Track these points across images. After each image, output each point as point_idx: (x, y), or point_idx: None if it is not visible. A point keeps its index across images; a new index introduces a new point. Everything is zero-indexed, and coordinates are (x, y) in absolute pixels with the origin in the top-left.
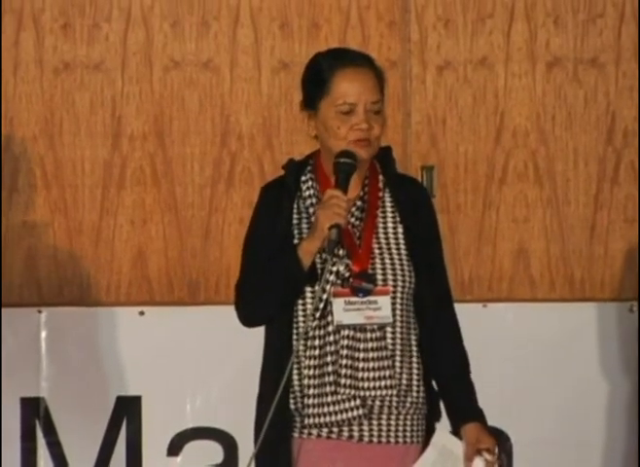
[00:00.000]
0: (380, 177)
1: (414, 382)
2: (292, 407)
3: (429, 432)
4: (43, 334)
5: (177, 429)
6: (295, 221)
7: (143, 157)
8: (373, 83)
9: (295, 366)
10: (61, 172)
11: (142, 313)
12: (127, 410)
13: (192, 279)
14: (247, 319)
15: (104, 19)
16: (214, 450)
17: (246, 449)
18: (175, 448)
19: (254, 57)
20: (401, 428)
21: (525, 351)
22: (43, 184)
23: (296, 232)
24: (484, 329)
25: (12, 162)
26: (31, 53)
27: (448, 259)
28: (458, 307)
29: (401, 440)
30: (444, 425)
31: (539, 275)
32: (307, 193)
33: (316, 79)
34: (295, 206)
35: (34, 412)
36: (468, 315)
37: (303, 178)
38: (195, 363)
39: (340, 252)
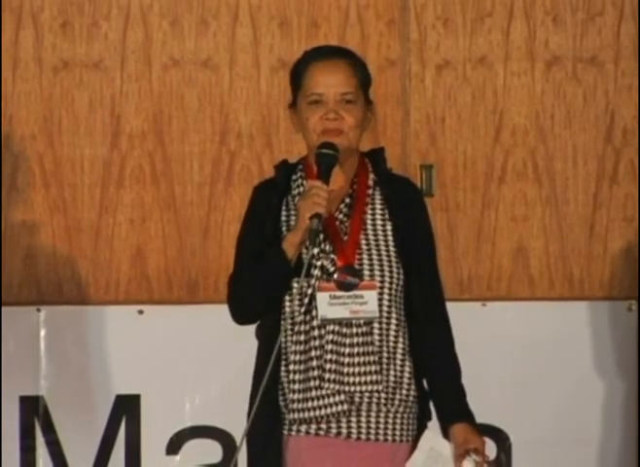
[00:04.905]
0: (371, 175)
1: (405, 380)
2: (281, 404)
3: (421, 432)
4: (42, 332)
5: (176, 428)
6: (283, 218)
7: (142, 155)
8: (345, 74)
9: (283, 363)
10: (60, 171)
11: (141, 312)
12: (126, 408)
13: (191, 278)
14: (238, 315)
15: (103, 18)
16: (213, 449)
17: (245, 448)
18: (174, 446)
19: (253, 56)
20: (390, 426)
21: (524, 350)
22: (42, 182)
23: (284, 228)
24: (483, 328)
25: (11, 161)
26: (30, 51)
27: (447, 258)
28: (457, 306)
29: (390, 438)
30: (434, 427)
31: (538, 274)
32: (297, 191)
33: (294, 75)
34: (284, 204)
35: (33, 410)
36: (467, 314)
37: (294, 177)
38: (195, 362)
39: (327, 247)
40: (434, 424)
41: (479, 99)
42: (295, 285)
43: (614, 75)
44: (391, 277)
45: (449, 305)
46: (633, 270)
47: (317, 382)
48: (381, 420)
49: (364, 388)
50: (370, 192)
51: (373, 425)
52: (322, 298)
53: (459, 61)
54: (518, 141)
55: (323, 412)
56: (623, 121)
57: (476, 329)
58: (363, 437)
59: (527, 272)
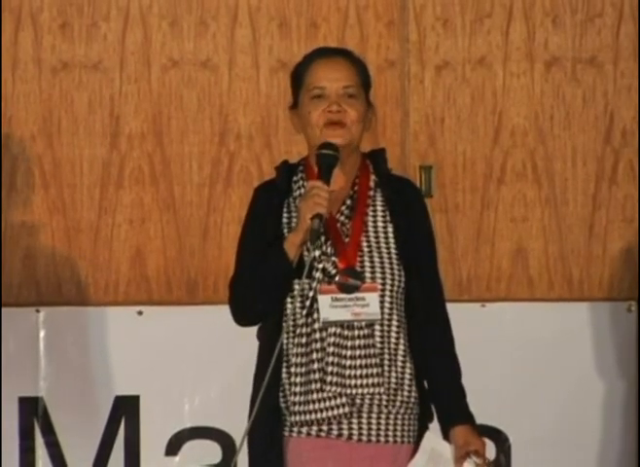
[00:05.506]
0: (372, 177)
1: (406, 382)
2: (282, 405)
3: (422, 433)
4: (41, 333)
5: (175, 429)
6: (285, 220)
7: (141, 156)
8: (346, 70)
9: (284, 364)
10: (60, 172)
11: (140, 313)
12: (126, 409)
13: (190, 279)
14: (239, 316)
15: (102, 19)
16: (212, 450)
17: (244, 449)
18: (173, 447)
19: (252, 57)
20: (391, 427)
21: (523, 351)
22: (41, 183)
23: (285, 230)
24: (483, 329)
25: (10, 162)
26: (30, 52)
27: (447, 259)
28: (456, 307)
29: (391, 439)
30: (435, 428)
31: (537, 275)
32: (298, 192)
33: (295, 75)
34: (285, 206)
35: (32, 411)
36: (466, 315)
37: (295, 178)
38: (194, 363)
39: (328, 250)
40: (435, 425)
41: (478, 100)
42: (296, 287)
43: (613, 76)
44: (392, 279)
45: (449, 306)
46: (633, 271)
47: (319, 385)
48: (382, 422)
49: (365, 390)
50: (371, 193)
51: (374, 427)
52: (324, 300)
53: (458, 62)
54: (518, 142)
55: (324, 414)
56: (623, 121)
57: (475, 330)
58: (364, 438)
59: (526, 273)
